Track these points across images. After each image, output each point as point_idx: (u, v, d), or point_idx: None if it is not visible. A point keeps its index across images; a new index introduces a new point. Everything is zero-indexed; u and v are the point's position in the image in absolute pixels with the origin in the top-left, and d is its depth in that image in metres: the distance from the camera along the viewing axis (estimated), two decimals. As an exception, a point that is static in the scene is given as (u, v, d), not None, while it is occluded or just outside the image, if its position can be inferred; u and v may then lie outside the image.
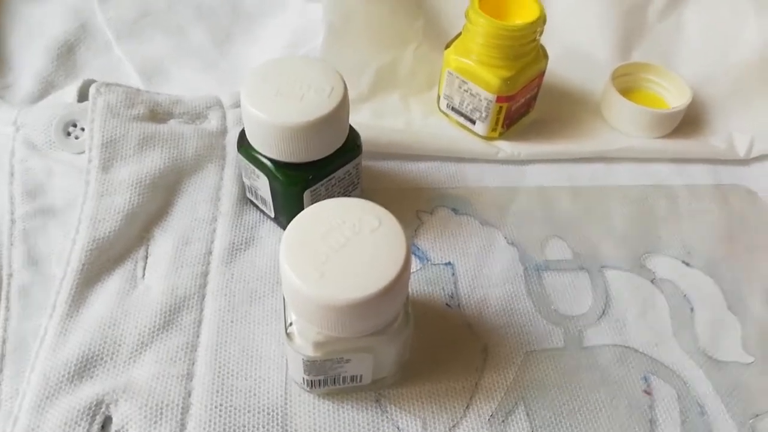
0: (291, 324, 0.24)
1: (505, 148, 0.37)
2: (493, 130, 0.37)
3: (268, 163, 0.29)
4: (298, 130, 0.27)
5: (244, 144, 0.30)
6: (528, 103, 0.38)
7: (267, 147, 0.28)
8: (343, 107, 0.28)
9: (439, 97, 0.38)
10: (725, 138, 0.38)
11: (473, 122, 0.37)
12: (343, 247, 0.22)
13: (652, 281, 0.32)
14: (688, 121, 0.39)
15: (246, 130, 0.29)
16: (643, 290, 0.31)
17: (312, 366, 0.24)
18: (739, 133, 0.38)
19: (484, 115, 0.36)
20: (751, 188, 0.36)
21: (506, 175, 0.36)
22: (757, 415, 0.27)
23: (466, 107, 0.37)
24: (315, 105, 0.27)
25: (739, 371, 0.29)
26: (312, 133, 0.28)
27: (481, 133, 0.37)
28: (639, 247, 0.33)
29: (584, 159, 0.37)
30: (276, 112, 0.27)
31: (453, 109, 0.38)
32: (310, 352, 0.24)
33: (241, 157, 0.31)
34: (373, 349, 0.24)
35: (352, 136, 0.31)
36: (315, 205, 0.24)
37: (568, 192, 0.36)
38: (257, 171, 0.30)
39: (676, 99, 0.39)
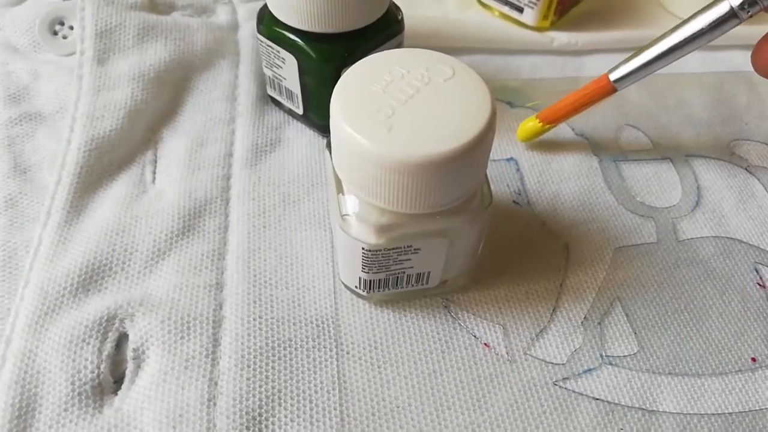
0: (346, 208, 0.19)
1: (560, 37, 0.32)
2: (545, 18, 0.32)
3: (297, 38, 0.24)
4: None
5: (265, 21, 0.25)
6: (581, -12, 0.33)
7: (295, 14, 0.23)
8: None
9: (478, -14, 0.34)
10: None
11: (521, 10, 0.32)
12: (411, 98, 0.18)
13: (746, 169, 0.27)
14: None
15: (269, -4, 0.24)
16: (739, 179, 0.27)
17: (373, 259, 0.20)
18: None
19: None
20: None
21: (564, 66, 0.32)
22: None
23: (514, -8, 0.32)
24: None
25: None
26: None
27: (530, 23, 0.32)
28: (725, 135, 0.29)
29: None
30: (306, -36, 0.22)
31: (496, -3, 0.33)
32: (372, 239, 0.19)
33: (261, 39, 0.26)
34: (448, 234, 0.20)
35: (393, 10, 0.26)
36: (369, 57, 0.19)
37: (635, 81, 0.31)
38: (282, 53, 0.25)
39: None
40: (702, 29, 0.22)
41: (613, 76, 0.24)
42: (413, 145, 0.17)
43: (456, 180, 0.18)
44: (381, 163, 0.17)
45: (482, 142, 0.17)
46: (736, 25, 0.22)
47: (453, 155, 0.17)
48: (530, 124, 0.27)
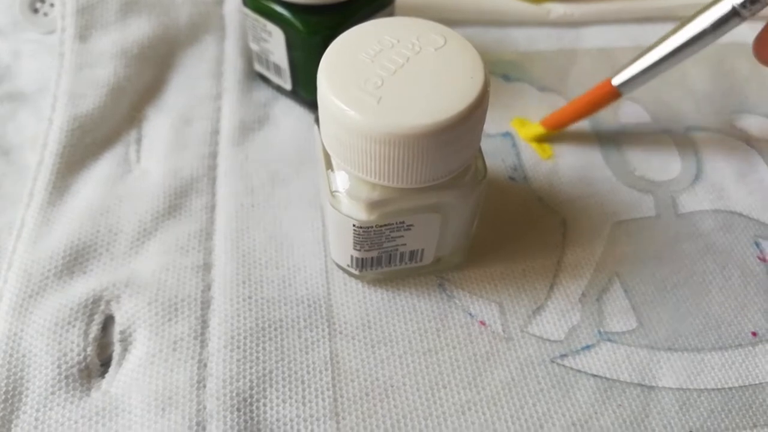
0: (336, 184, 0.19)
1: (556, 8, 0.31)
2: (541, -11, 0.31)
3: (283, 11, 0.23)
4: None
5: (250, -8, 0.24)
6: (578, -42, 0.32)
7: (281, -17, 0.23)
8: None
9: (472, -43, 0.33)
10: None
11: (516, -19, 0.31)
12: (401, 68, 0.17)
13: (746, 142, 0.27)
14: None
15: (254, -34, 0.23)
16: (739, 152, 0.26)
17: (365, 236, 0.19)
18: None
19: (530, -31, 0.30)
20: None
21: (561, 39, 0.31)
22: None
23: (508, -38, 0.31)
24: None
25: None
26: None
27: (525, -6, 0.32)
28: (725, 108, 0.28)
29: (647, 18, 0.32)
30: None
31: (491, -32, 0.32)
32: (363, 216, 0.19)
33: (247, 13, 0.25)
34: (441, 209, 0.19)
35: (384, -19, 0.25)
36: (358, 25, 0.18)
37: (634, 53, 0.30)
38: (269, 26, 0.24)
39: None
40: (705, 30, 0.21)
41: (616, 81, 0.23)
42: (403, 117, 0.16)
43: (448, 152, 0.17)
44: (370, 135, 0.16)
45: (474, 113, 0.17)
46: (740, 23, 0.21)
47: (444, 126, 0.16)
48: (535, 130, 0.26)
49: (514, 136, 0.26)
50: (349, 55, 0.17)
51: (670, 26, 0.31)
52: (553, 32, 0.31)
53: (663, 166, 0.26)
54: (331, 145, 0.18)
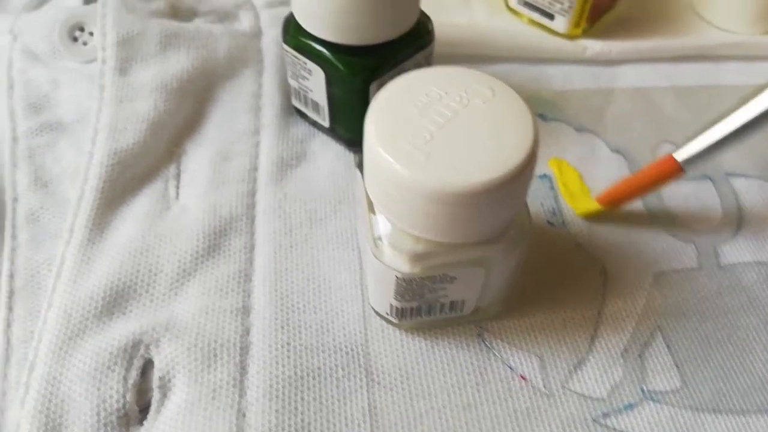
0: (378, 236, 0.19)
1: (593, 46, 0.31)
2: (576, 25, 0.31)
3: (324, 50, 0.23)
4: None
5: (291, 31, 0.24)
6: (615, -6, 0.32)
7: (324, 25, 0.22)
8: (416, -24, 0.23)
9: (508, -9, 0.33)
10: None
11: (552, 17, 0.31)
12: (449, 122, 0.17)
13: (789, 190, 0.26)
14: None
15: (296, 6, 0.23)
16: (782, 200, 0.26)
17: (407, 287, 0.19)
18: None
19: (567, 6, 0.30)
20: None
21: (597, 77, 0.30)
22: None
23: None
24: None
25: None
26: (379, 0, 0.22)
27: (561, 30, 0.31)
28: (765, 152, 0.28)
29: (684, 57, 0.31)
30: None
31: (526, 3, 0.32)
32: (406, 268, 0.18)
33: (287, 49, 0.25)
34: (486, 263, 0.19)
35: (423, 20, 0.25)
36: (404, 75, 0.18)
37: (670, 93, 0.30)
38: (309, 64, 0.24)
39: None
40: None
41: (679, 157, 0.22)
42: (453, 174, 0.16)
43: (496, 210, 0.17)
44: (419, 191, 0.16)
45: (525, 171, 0.16)
46: None
47: (494, 185, 0.16)
48: (591, 206, 0.24)
49: (551, 178, 0.26)
50: (398, 106, 0.17)
51: (705, 66, 0.32)
52: (588, 70, 0.31)
53: (703, 213, 0.25)
54: (375, 196, 0.18)
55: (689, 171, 0.22)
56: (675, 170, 0.22)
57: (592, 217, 0.25)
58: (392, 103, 0.17)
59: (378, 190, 0.18)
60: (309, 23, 0.23)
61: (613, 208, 0.24)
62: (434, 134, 0.16)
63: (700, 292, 0.23)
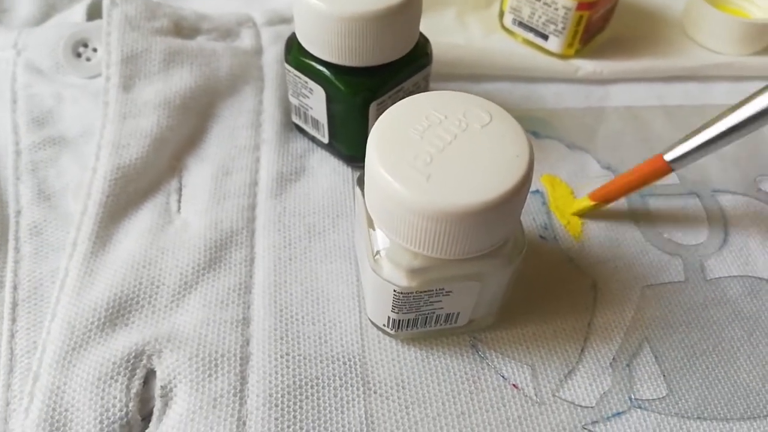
0: (377, 250, 0.19)
1: (585, 66, 0.32)
2: (570, 46, 0.32)
3: (325, 70, 0.24)
4: (364, 21, 0.22)
5: (293, 51, 0.25)
6: (606, 16, 0.33)
7: (325, 46, 0.23)
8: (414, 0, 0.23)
9: (502, 12, 0.34)
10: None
11: (545, 38, 0.32)
12: (449, 145, 0.18)
13: (772, 206, 0.27)
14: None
15: (299, 28, 0.24)
16: (765, 216, 0.27)
17: (404, 301, 0.20)
18: None
19: (560, 27, 0.31)
20: None
21: (589, 96, 0.31)
22: None
23: (538, 20, 0.32)
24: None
25: None
26: (380, 26, 0.23)
27: (554, 50, 0.32)
28: (751, 170, 0.29)
29: (674, 77, 0.33)
30: (338, 0, 0.22)
31: (521, 24, 0.33)
32: (404, 282, 0.19)
33: (289, 69, 0.26)
34: (481, 278, 0.19)
35: (422, 43, 0.26)
36: (404, 100, 0.19)
37: (660, 112, 0.31)
38: (310, 83, 0.25)
39: (764, 13, 0.34)
40: (765, 108, 0.21)
41: (668, 157, 0.23)
42: (452, 195, 0.16)
43: (492, 227, 0.18)
44: (419, 211, 0.17)
45: (520, 191, 0.17)
46: None
47: (491, 205, 0.17)
48: (583, 203, 0.26)
49: (543, 194, 0.27)
50: (399, 130, 0.18)
51: (694, 86, 0.33)
52: (581, 89, 0.32)
53: (691, 229, 0.26)
54: (376, 214, 0.19)
55: (677, 169, 0.24)
56: (663, 169, 0.24)
57: (585, 214, 0.26)
58: (394, 127, 0.18)
59: (379, 208, 0.18)
60: (311, 45, 0.24)
61: (604, 204, 0.26)
62: (434, 157, 0.17)
63: (686, 304, 0.24)
